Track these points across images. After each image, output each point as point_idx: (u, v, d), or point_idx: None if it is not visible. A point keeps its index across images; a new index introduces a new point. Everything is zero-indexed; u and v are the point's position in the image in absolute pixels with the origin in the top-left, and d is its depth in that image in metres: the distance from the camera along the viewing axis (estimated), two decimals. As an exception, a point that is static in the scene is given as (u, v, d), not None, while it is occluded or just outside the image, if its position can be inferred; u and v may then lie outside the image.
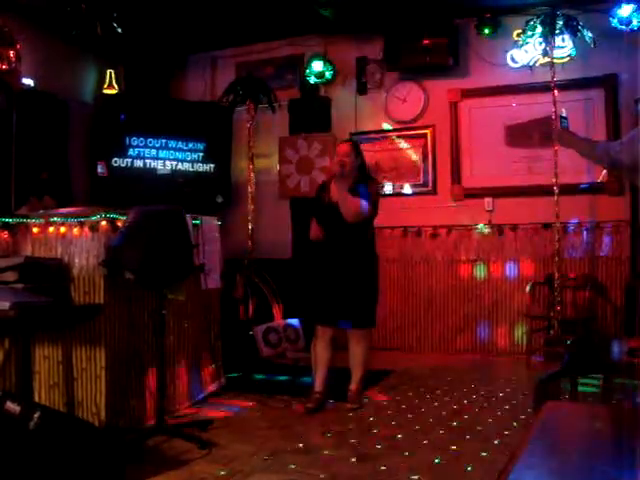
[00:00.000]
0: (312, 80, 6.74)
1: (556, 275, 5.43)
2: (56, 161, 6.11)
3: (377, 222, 6.51)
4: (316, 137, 6.77)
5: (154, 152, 6.55)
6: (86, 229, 3.59)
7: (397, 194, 6.64)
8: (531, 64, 5.86)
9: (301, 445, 3.39)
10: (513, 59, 6.16)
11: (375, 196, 4.14)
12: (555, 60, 5.48)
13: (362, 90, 6.78)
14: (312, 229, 4.16)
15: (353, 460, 3.15)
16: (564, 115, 3.39)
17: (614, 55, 5.78)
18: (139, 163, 6.48)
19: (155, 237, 3.33)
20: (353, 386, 4.20)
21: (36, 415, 2.55)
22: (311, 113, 6.88)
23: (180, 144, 6.66)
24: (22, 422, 2.53)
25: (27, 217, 3.77)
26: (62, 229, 3.63)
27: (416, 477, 2.92)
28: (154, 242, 3.32)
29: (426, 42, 6.23)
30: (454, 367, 5.58)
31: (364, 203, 3.99)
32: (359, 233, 4.10)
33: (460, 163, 6.44)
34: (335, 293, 4.05)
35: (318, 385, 4.18)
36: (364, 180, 4.14)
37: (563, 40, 5.53)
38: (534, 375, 4.89)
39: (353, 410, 4.06)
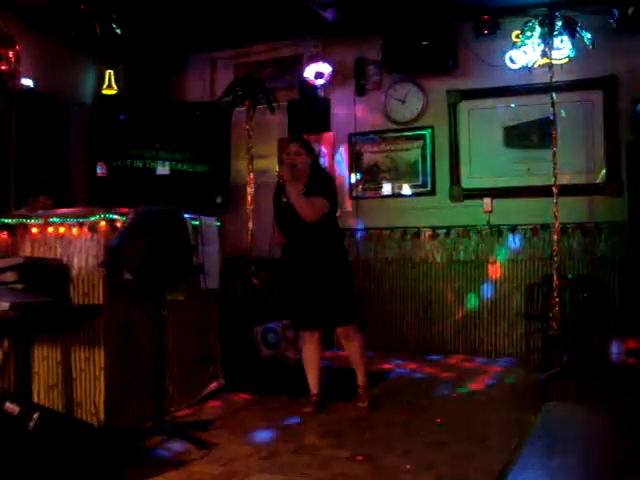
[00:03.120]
0: (311, 81, 6.74)
1: (555, 276, 5.43)
2: (55, 162, 6.11)
3: (376, 222, 6.62)
4: (315, 138, 6.77)
5: (153, 153, 6.55)
6: (85, 229, 3.59)
7: (396, 195, 6.65)
8: (530, 65, 5.84)
9: (300, 445, 3.40)
10: (512, 60, 6.16)
11: (330, 191, 4.08)
12: (554, 61, 5.48)
13: (361, 91, 6.78)
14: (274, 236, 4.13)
15: (353, 460, 3.16)
16: None
17: (613, 56, 5.80)
18: (138, 164, 6.48)
19: (154, 238, 3.33)
20: (361, 382, 4.19)
21: (35, 416, 2.55)
22: (310, 114, 6.88)
23: (179, 144, 6.66)
24: (21, 423, 2.53)
25: (26, 217, 3.77)
26: (61, 229, 3.64)
27: (416, 477, 2.93)
28: (153, 243, 3.32)
29: (425, 43, 6.23)
30: (453, 368, 5.58)
31: (319, 200, 3.97)
32: (322, 231, 4.03)
33: (459, 164, 6.45)
34: (310, 295, 4.02)
35: (313, 387, 4.18)
36: (318, 177, 4.12)
37: (562, 41, 5.53)
38: (534, 376, 4.89)
39: (364, 409, 4.06)
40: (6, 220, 3.74)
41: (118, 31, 5.46)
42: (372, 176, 6.77)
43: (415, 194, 6.59)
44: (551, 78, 5.40)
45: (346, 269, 4.17)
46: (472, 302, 6.26)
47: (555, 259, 5.43)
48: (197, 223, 4.23)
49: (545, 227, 5.88)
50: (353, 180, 6.81)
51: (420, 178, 6.59)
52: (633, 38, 5.68)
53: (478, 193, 6.31)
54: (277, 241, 4.10)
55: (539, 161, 6.06)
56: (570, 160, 5.86)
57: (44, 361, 3.60)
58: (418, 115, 6.61)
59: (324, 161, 6.74)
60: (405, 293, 6.49)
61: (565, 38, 5.45)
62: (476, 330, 6.23)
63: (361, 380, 4.20)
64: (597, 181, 5.95)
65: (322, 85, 6.80)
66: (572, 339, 5.21)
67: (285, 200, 4.08)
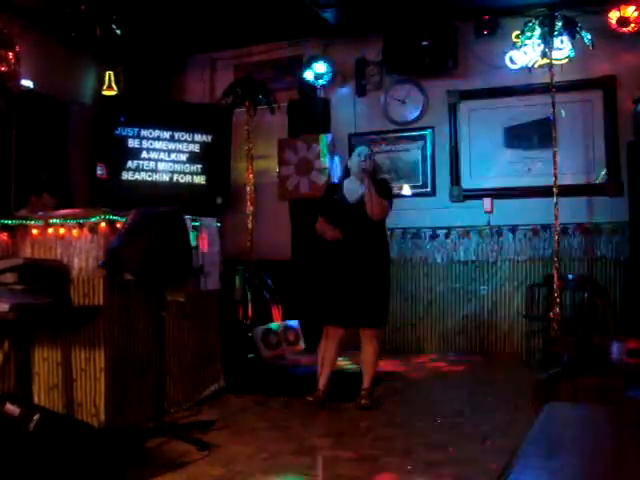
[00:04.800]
0: (311, 82, 6.74)
1: (555, 276, 5.43)
2: (56, 163, 6.10)
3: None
4: (315, 139, 6.78)
5: (154, 153, 6.56)
6: (85, 230, 3.59)
7: (396, 195, 6.62)
8: (530, 65, 5.86)
9: (301, 446, 3.39)
10: (512, 60, 6.16)
11: (391, 196, 4.33)
12: (554, 61, 5.49)
13: (361, 91, 6.78)
14: (324, 229, 4.16)
15: (353, 460, 3.15)
16: None
17: (613, 56, 5.80)
18: (138, 164, 6.49)
19: (154, 238, 3.33)
20: (365, 385, 4.22)
21: (36, 417, 2.55)
22: (310, 115, 6.88)
23: (179, 145, 6.66)
24: (22, 424, 2.53)
25: (26, 218, 3.77)
26: (61, 230, 3.63)
27: (415, 477, 2.92)
28: (153, 243, 3.32)
29: (425, 44, 6.24)
30: (453, 368, 5.58)
31: (384, 200, 4.17)
32: (376, 232, 4.21)
33: (459, 164, 6.45)
34: (351, 293, 4.08)
35: (322, 383, 4.19)
36: (378, 181, 4.31)
37: (562, 41, 5.54)
38: (534, 376, 4.89)
39: (366, 409, 4.07)
40: (6, 221, 3.74)
41: (118, 32, 5.46)
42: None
43: (415, 194, 6.58)
44: (551, 78, 5.41)
45: (388, 274, 4.28)
46: (473, 302, 6.26)
47: (556, 259, 5.43)
48: (197, 224, 4.23)
49: (545, 227, 5.88)
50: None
51: (420, 179, 6.59)
52: (633, 38, 5.68)
53: (478, 193, 6.31)
54: (333, 235, 4.12)
55: (539, 161, 6.06)
56: (570, 160, 5.87)
57: (44, 362, 3.60)
58: (418, 116, 6.61)
59: (323, 162, 6.74)
60: (405, 293, 6.49)
61: (565, 38, 5.46)
62: (477, 330, 6.23)
63: (366, 383, 4.22)
64: (597, 181, 5.95)
65: (322, 86, 6.80)
66: (573, 339, 5.20)
67: (338, 196, 4.21)
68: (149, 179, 6.52)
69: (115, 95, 6.80)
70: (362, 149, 4.35)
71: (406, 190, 6.59)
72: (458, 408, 4.17)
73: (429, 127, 6.57)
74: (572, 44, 5.54)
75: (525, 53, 5.95)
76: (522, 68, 6.04)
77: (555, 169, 5.38)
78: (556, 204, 5.38)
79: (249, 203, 6.37)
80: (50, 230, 3.65)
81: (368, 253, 4.14)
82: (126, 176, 6.44)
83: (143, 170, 6.51)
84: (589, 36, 5.31)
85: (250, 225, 6.30)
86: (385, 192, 4.23)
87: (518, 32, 5.75)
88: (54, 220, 3.67)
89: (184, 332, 4.20)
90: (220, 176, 6.82)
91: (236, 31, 6.66)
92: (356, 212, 4.13)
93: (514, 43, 5.99)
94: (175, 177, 6.63)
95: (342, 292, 4.11)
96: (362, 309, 4.11)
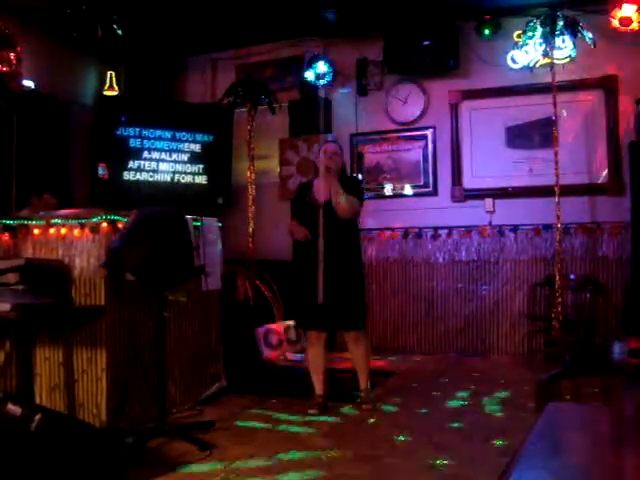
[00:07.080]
0: (312, 82, 6.74)
1: (557, 276, 5.43)
2: (57, 163, 6.11)
3: (377, 223, 6.61)
4: (316, 139, 6.78)
5: (155, 153, 6.56)
6: (87, 231, 3.59)
7: (398, 195, 6.64)
8: (531, 65, 5.86)
9: (302, 446, 3.39)
10: (513, 60, 6.16)
11: (361, 193, 4.20)
12: (555, 61, 5.49)
13: (362, 91, 6.78)
14: (296, 230, 4.05)
15: (353, 460, 3.15)
16: None
17: (614, 56, 5.79)
18: (140, 164, 6.49)
19: (156, 239, 3.33)
20: (363, 387, 4.20)
21: (37, 417, 2.55)
22: (311, 115, 6.88)
23: (181, 145, 6.67)
24: (23, 424, 2.53)
25: (28, 219, 3.77)
26: (63, 231, 3.64)
27: (417, 477, 2.92)
28: (155, 244, 3.32)
29: (426, 43, 6.24)
30: (455, 368, 5.58)
31: (355, 199, 4.04)
32: (347, 233, 4.08)
33: (460, 164, 6.44)
34: (327, 296, 3.95)
35: (319, 389, 4.17)
36: (346, 179, 4.18)
37: (563, 41, 5.54)
38: (535, 376, 4.89)
39: (368, 410, 4.06)
40: (8, 221, 3.74)
41: (119, 32, 5.46)
42: (373, 176, 6.77)
43: (417, 194, 6.58)
44: (553, 78, 5.41)
45: (362, 273, 4.20)
46: (474, 302, 6.26)
47: (557, 259, 5.43)
48: (199, 224, 4.23)
49: (547, 227, 5.88)
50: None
51: (422, 178, 6.59)
52: (635, 38, 5.67)
53: (480, 193, 6.31)
54: (302, 234, 4.01)
55: (541, 161, 6.05)
56: (572, 160, 5.86)
57: (46, 362, 3.60)
58: (420, 115, 6.61)
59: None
60: (407, 293, 6.49)
61: (566, 38, 5.46)
62: (478, 330, 6.23)
63: (363, 384, 4.20)
64: (599, 181, 5.94)
65: (323, 86, 6.80)
66: (574, 339, 5.20)
67: (310, 197, 4.07)
68: (150, 179, 6.52)
69: (116, 95, 6.81)
70: (329, 146, 4.21)
71: (407, 190, 6.60)
72: (459, 408, 4.17)
73: (430, 127, 6.57)
74: (573, 44, 5.54)
75: (526, 53, 5.94)
76: (523, 68, 6.03)
77: (557, 169, 5.38)
78: (558, 204, 5.39)
79: (250, 203, 6.37)
80: (51, 230, 3.66)
81: (340, 254, 4.00)
82: (127, 176, 6.44)
83: (144, 170, 6.51)
84: (590, 35, 5.31)
85: (251, 225, 6.31)
86: (355, 190, 4.08)
87: (520, 32, 5.75)
88: (55, 220, 3.67)
89: (186, 332, 4.20)
90: (221, 176, 6.82)
91: (237, 31, 6.66)
92: (327, 212, 3.96)
93: (515, 43, 5.99)
94: (176, 177, 6.64)
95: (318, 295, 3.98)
96: (340, 312, 4.00)
